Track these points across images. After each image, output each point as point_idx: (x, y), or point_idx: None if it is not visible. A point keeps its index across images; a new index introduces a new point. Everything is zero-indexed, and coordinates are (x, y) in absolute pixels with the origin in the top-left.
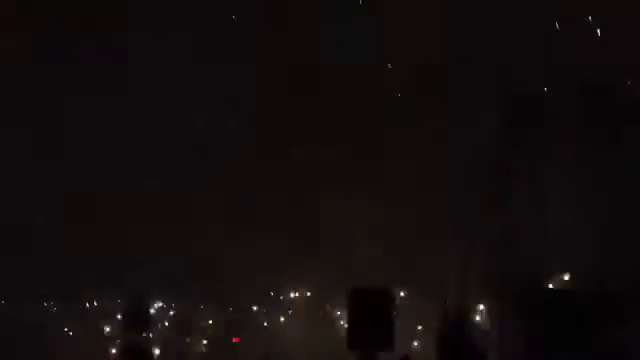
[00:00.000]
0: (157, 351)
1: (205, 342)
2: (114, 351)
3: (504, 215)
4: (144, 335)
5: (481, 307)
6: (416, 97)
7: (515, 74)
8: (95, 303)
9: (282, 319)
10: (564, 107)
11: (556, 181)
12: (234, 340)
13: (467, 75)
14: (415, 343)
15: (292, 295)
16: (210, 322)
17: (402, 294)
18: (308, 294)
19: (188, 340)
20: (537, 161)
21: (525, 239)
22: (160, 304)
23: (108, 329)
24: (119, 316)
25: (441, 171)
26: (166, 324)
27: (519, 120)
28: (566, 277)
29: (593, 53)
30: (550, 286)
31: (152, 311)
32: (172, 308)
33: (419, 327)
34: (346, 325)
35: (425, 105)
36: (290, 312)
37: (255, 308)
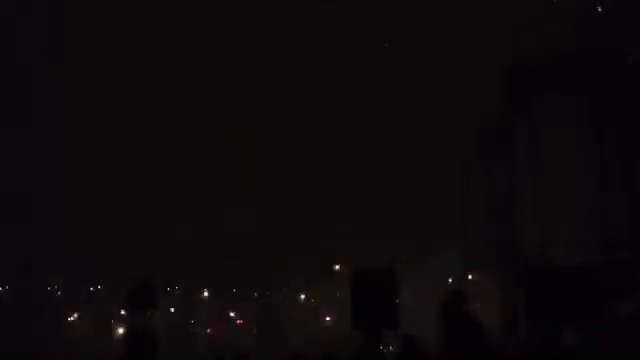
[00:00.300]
0: None
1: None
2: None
3: (505, 186)
4: (149, 315)
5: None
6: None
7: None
8: (100, 287)
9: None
10: (565, 72)
11: (559, 151)
12: (238, 322)
13: (468, 43)
14: None
15: None
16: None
17: None
18: None
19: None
20: (539, 129)
21: (528, 211)
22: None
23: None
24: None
25: (444, 142)
26: (172, 310)
27: (520, 85)
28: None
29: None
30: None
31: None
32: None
33: None
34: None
35: (426, 75)
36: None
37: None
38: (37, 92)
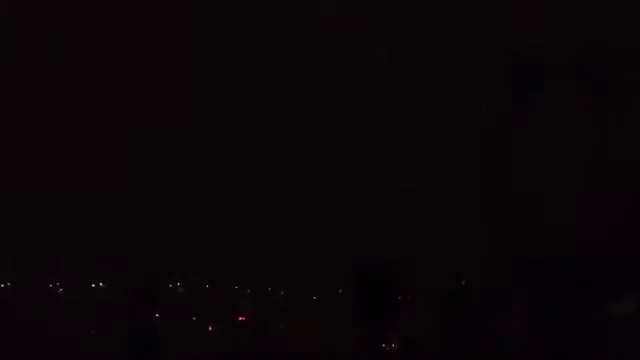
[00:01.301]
0: None
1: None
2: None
3: (505, 183)
4: (154, 313)
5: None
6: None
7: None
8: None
9: None
10: (566, 68)
11: (560, 145)
12: (240, 318)
13: (466, 38)
14: None
15: None
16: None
17: None
18: None
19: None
20: (540, 125)
21: (529, 207)
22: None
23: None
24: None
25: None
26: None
27: (521, 81)
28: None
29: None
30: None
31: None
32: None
33: None
34: None
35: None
36: None
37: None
38: None
